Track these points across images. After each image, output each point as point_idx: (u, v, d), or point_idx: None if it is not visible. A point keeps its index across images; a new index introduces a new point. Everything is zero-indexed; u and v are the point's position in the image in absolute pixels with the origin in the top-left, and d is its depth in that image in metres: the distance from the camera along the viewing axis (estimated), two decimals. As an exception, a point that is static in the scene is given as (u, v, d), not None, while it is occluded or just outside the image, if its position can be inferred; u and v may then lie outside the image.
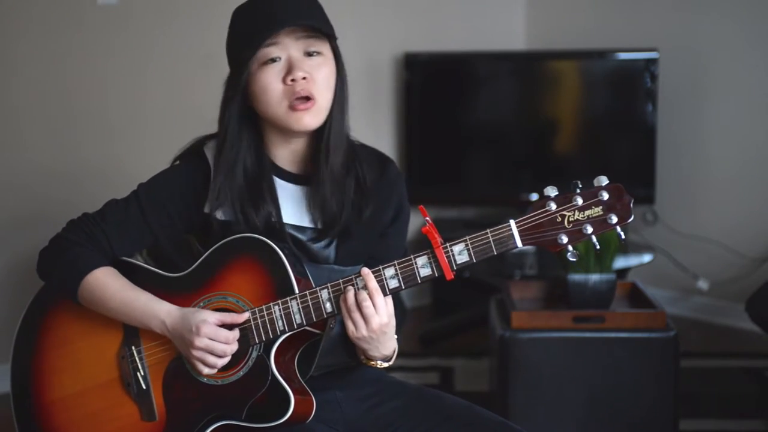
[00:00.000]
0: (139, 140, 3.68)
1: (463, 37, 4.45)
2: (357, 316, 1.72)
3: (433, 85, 4.30)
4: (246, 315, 1.77)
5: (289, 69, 1.77)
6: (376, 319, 1.72)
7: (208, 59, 3.77)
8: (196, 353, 1.75)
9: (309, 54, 1.79)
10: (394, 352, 1.84)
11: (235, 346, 1.76)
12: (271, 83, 1.78)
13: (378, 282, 1.73)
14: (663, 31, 4.21)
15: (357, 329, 1.73)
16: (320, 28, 1.78)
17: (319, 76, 1.79)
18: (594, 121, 4.30)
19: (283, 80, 1.77)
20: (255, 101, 1.81)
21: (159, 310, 1.79)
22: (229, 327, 1.77)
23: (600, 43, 4.30)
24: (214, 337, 1.74)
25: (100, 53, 3.59)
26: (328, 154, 1.84)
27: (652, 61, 4.07)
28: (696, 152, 4.18)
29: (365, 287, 1.72)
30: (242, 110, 1.83)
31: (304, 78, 1.77)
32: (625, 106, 4.23)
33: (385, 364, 1.84)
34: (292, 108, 1.78)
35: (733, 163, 4.10)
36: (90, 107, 3.60)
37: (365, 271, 1.72)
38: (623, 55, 4.15)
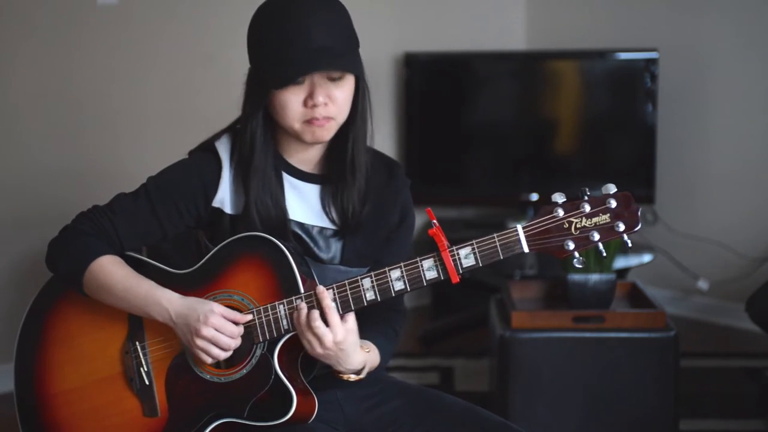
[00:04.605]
0: (140, 140, 3.68)
1: (463, 37, 4.44)
2: (310, 335, 1.72)
3: (433, 85, 4.30)
4: (249, 317, 1.77)
5: (311, 93, 1.76)
6: (329, 337, 1.72)
7: (208, 59, 3.80)
8: (200, 343, 1.75)
9: (332, 79, 1.78)
10: (363, 364, 1.81)
11: (239, 341, 1.76)
12: (291, 102, 1.77)
13: (383, 284, 1.73)
14: (663, 31, 4.21)
15: (312, 348, 1.73)
16: (353, 71, 1.77)
17: (340, 98, 1.79)
18: (594, 121, 4.30)
19: (304, 102, 1.77)
20: (273, 112, 1.80)
21: (162, 297, 1.78)
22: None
23: (600, 43, 4.30)
24: (220, 329, 1.74)
25: (101, 53, 3.59)
26: (354, 160, 1.85)
27: (652, 61, 4.07)
28: (696, 152, 4.18)
29: (317, 306, 1.72)
30: (265, 118, 1.82)
31: (325, 103, 1.77)
32: (625, 106, 4.23)
33: (354, 378, 1.81)
34: (308, 123, 1.78)
35: (733, 163, 4.10)
36: (90, 107, 3.60)
37: (320, 289, 1.72)
38: (623, 55, 4.15)
